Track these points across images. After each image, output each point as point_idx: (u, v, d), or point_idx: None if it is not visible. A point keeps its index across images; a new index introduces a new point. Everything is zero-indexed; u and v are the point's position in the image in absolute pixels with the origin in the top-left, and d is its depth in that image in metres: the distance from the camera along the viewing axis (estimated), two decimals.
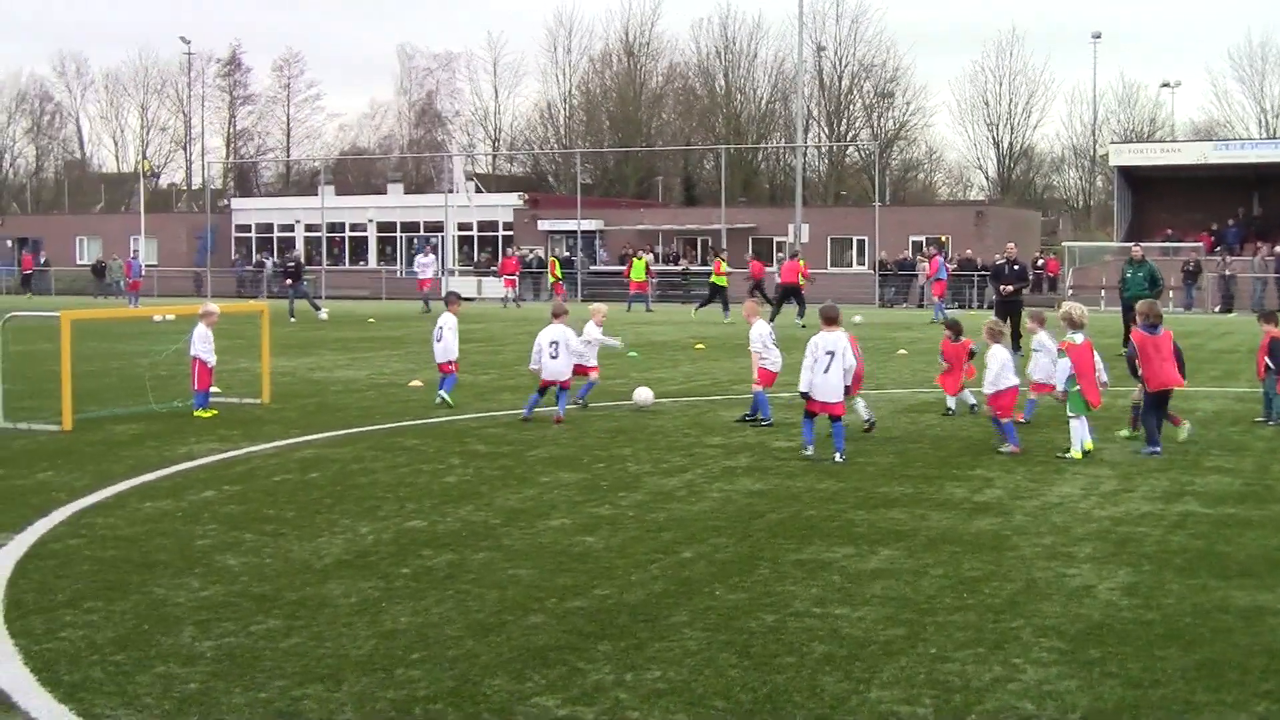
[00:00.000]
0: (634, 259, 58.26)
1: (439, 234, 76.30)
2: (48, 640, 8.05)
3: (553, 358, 18.23)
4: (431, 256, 56.88)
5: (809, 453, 14.83)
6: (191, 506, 12.21)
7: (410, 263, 67.03)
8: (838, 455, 14.67)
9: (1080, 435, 15.27)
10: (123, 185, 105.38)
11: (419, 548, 10.51)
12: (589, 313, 20.34)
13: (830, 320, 15.15)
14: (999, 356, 15.86)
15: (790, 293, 42.96)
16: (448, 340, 19.99)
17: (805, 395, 14.94)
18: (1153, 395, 15.64)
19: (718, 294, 46.24)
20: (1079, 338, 15.40)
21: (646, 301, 54.62)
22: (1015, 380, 15.84)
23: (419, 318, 44.90)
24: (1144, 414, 15.88)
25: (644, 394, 19.39)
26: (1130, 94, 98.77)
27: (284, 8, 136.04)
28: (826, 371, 14.76)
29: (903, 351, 29.66)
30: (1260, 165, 66.19)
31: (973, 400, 18.45)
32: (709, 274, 50.75)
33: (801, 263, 44.45)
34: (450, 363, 20.11)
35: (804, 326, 38.24)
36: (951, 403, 18.72)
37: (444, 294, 23.91)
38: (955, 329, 18.62)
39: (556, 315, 18.76)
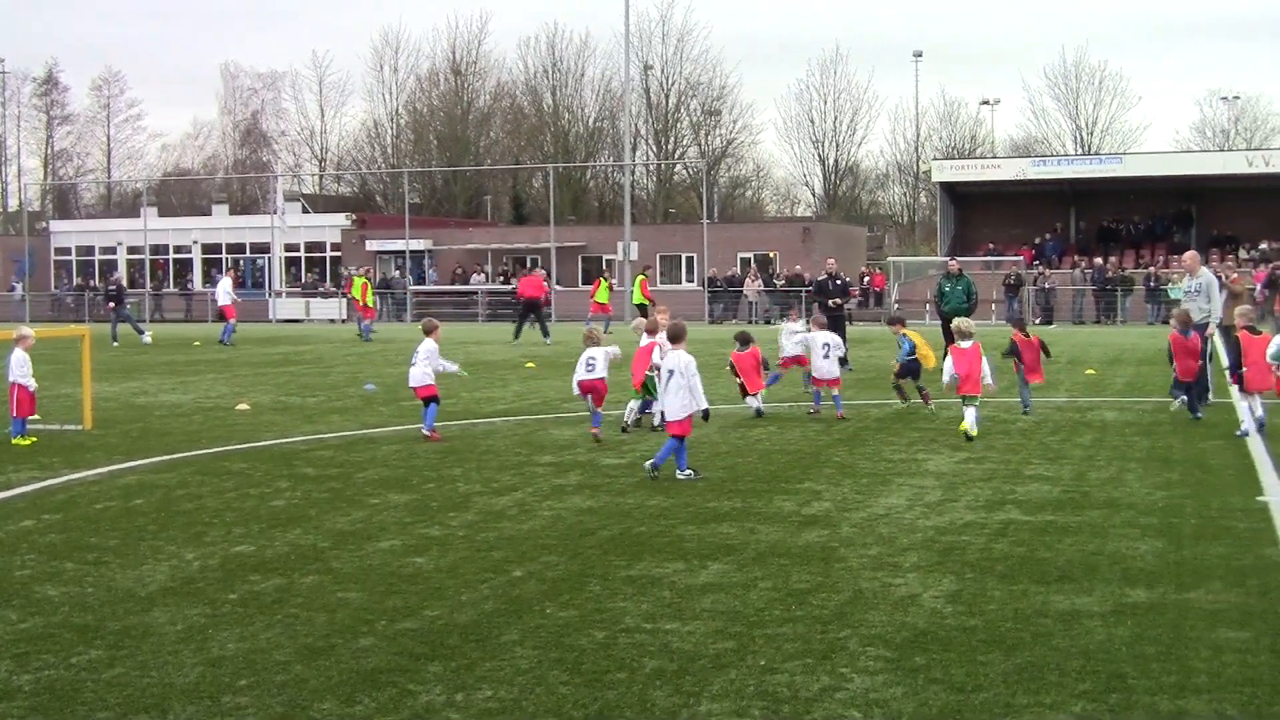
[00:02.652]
0: (353, 278, 51.58)
1: (265, 255, 75.46)
2: None
3: (412, 364, 18.62)
4: (228, 279, 48.70)
5: (680, 475, 14.60)
6: (9, 537, 11.90)
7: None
8: (671, 473, 14.61)
9: (970, 420, 17.62)
10: None
11: (246, 573, 10.36)
12: (631, 329, 21.05)
13: (675, 339, 15.28)
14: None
15: (531, 308, 43.42)
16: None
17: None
18: (1182, 382, 19.89)
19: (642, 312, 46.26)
20: (965, 344, 18.13)
21: (366, 329, 46.68)
22: (585, 376, 17.86)
23: (220, 348, 41.33)
24: (1175, 389, 20.39)
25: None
26: (951, 111, 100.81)
27: (102, 25, 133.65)
28: (665, 389, 14.83)
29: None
30: (1076, 181, 68.01)
31: (759, 405, 20.11)
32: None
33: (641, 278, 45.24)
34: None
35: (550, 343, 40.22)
36: (756, 402, 20.34)
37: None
38: (742, 340, 20.45)
39: (428, 332, 18.97)
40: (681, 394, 14.64)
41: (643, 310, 46.19)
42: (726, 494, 13.70)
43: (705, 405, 14.81)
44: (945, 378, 18.19)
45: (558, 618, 8.92)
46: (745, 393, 20.43)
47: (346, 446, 17.63)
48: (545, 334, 42.59)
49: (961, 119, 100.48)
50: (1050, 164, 71.72)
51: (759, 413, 20.17)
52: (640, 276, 48.85)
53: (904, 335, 21.13)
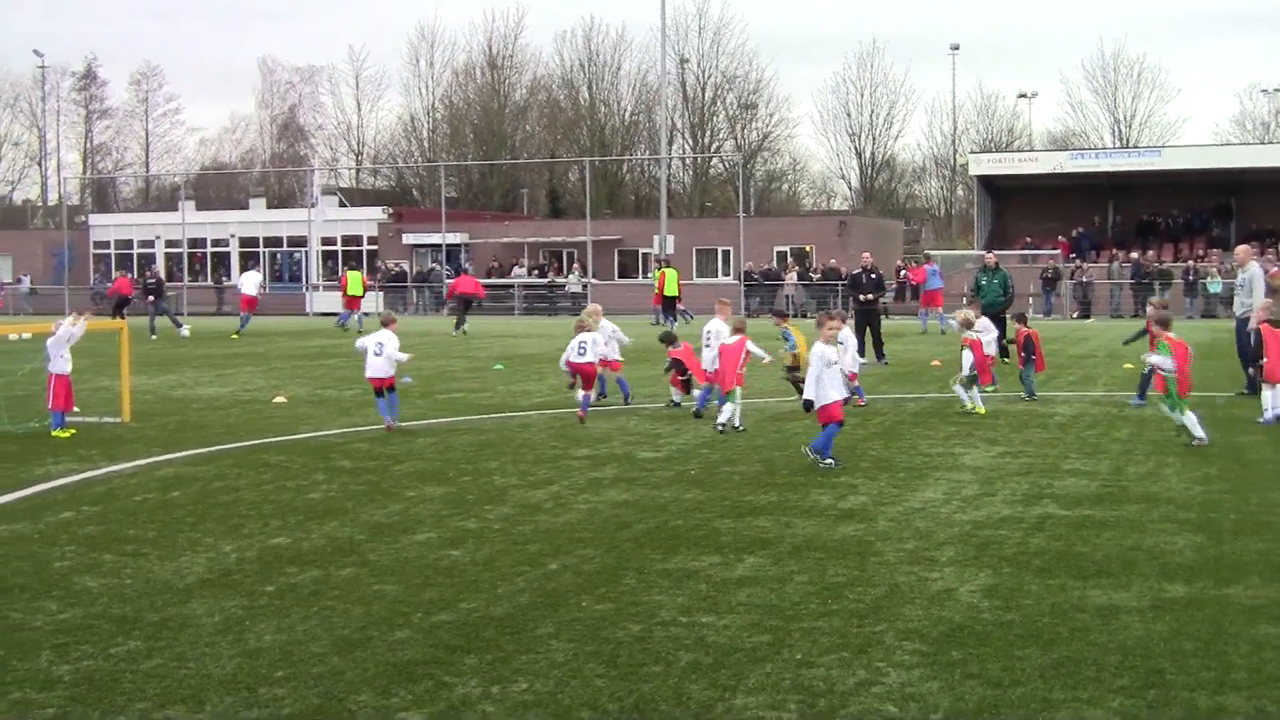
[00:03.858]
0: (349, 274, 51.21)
1: (301, 248, 75.67)
2: None
3: (376, 354, 18.64)
4: (256, 274, 52.16)
5: (823, 464, 14.91)
6: (49, 528, 11.98)
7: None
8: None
9: (963, 399, 19.57)
10: None
11: (283, 565, 10.40)
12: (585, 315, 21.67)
13: (818, 326, 15.58)
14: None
15: (467, 304, 44.26)
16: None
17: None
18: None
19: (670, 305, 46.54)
20: (973, 334, 20.16)
21: (344, 319, 48.63)
22: (575, 358, 19.31)
23: (237, 338, 42.17)
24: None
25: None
26: (989, 104, 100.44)
27: (141, 20, 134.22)
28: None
29: (768, 360, 29.81)
30: (1114, 174, 67.59)
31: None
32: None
33: (666, 273, 45.53)
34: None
35: (463, 333, 41.74)
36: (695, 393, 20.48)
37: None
38: (667, 339, 21.64)
39: (386, 324, 19.15)
40: (818, 382, 15.00)
41: (670, 303, 46.32)
42: (763, 487, 13.69)
43: (810, 397, 14.98)
44: (965, 370, 19.77)
45: (593, 611, 8.93)
46: (689, 388, 20.84)
47: (383, 439, 17.66)
48: (460, 324, 44.19)
49: (999, 112, 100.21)
50: (1088, 157, 71.32)
51: (698, 413, 19.68)
52: (673, 270, 48.94)
53: (786, 329, 21.36)
